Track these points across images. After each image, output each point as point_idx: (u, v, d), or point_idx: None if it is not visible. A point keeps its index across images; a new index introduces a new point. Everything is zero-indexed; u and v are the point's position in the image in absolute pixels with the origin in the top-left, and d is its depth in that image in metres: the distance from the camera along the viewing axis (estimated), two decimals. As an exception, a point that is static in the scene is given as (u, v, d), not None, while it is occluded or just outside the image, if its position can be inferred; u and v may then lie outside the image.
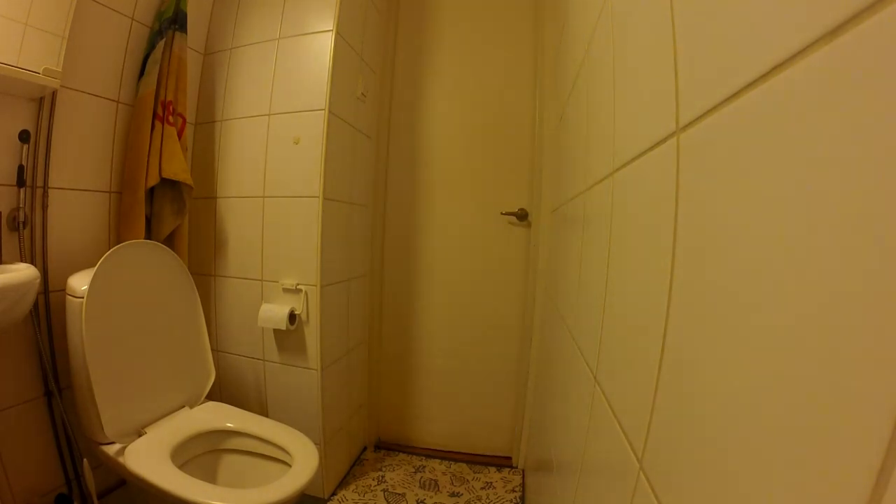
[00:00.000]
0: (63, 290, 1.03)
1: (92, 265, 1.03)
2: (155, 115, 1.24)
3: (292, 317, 1.35)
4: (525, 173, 1.74)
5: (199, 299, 1.28)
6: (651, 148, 0.40)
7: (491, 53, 1.80)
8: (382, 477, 1.58)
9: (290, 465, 1.01)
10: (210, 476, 1.11)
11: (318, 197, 1.33)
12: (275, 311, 1.33)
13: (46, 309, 1.06)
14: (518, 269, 1.73)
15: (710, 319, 0.28)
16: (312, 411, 1.38)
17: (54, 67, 0.96)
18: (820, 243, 0.18)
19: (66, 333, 1.01)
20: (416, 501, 1.44)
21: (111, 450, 0.98)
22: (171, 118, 1.27)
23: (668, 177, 0.35)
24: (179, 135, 1.30)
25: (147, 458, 0.95)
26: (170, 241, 1.32)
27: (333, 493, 1.47)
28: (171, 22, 1.25)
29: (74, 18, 0.99)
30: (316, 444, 1.14)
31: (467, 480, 1.58)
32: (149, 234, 1.28)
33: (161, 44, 1.24)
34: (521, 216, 1.70)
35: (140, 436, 1.04)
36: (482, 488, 1.53)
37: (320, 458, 1.30)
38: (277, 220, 1.38)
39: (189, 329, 1.26)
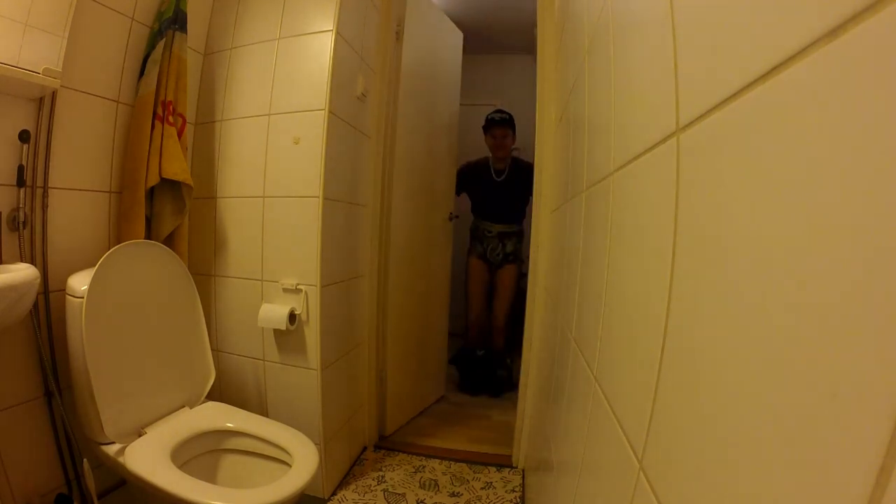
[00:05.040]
0: (63, 290, 1.03)
1: (92, 265, 1.03)
2: (155, 115, 1.24)
3: (292, 317, 1.35)
4: (452, 181, 2.24)
5: (199, 299, 1.28)
6: (651, 148, 0.40)
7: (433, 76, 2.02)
8: (382, 477, 1.58)
9: (289, 466, 1.01)
10: (210, 476, 1.11)
11: (318, 197, 1.33)
12: (275, 311, 1.33)
13: (46, 309, 1.06)
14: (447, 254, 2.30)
15: (710, 319, 0.28)
16: (312, 411, 1.37)
17: (54, 67, 0.96)
18: (820, 243, 0.18)
19: (66, 333, 1.01)
20: (416, 501, 1.44)
21: (111, 450, 0.98)
22: (171, 118, 1.27)
23: (669, 177, 0.35)
24: (179, 135, 1.30)
25: (147, 459, 0.95)
26: (170, 241, 1.32)
27: (333, 493, 1.47)
28: (171, 22, 1.25)
29: (74, 18, 0.99)
30: (316, 444, 1.14)
31: (467, 480, 1.58)
32: (149, 234, 1.28)
33: (161, 44, 1.24)
34: (452, 218, 2.24)
35: (140, 436, 1.04)
36: (482, 488, 1.53)
37: (320, 458, 1.30)
38: (277, 220, 1.38)
39: (189, 329, 1.26)
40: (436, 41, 2.06)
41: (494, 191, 2.31)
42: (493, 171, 2.34)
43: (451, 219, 2.24)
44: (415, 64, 1.88)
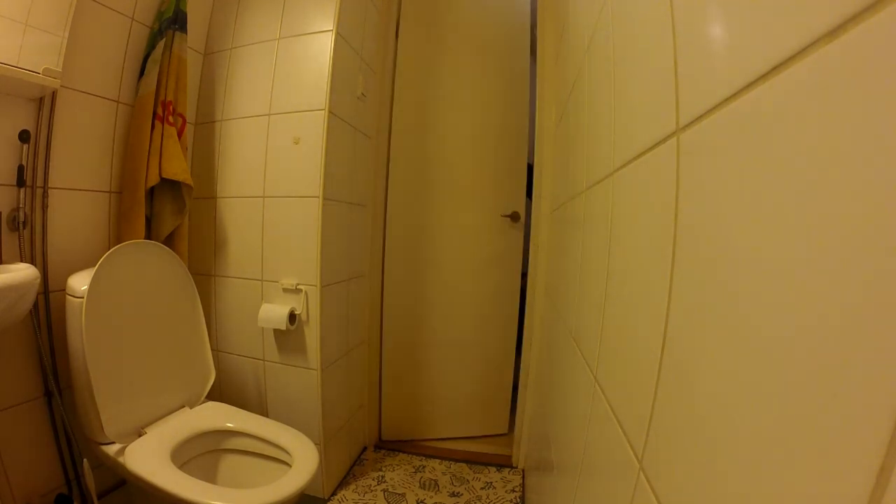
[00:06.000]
0: (63, 290, 1.03)
1: (92, 265, 1.03)
2: (155, 115, 1.24)
3: (292, 317, 1.35)
4: (520, 177, 1.87)
5: (199, 299, 1.28)
6: (651, 148, 0.40)
7: (491, 53, 1.83)
8: (382, 477, 1.58)
9: (290, 466, 1.01)
10: (210, 476, 1.11)
11: (318, 197, 1.33)
12: (275, 311, 1.33)
13: (46, 309, 1.06)
14: (513, 267, 1.89)
15: (710, 319, 0.28)
16: (312, 411, 1.37)
17: (54, 67, 0.96)
18: (820, 243, 0.18)
19: (66, 333, 1.01)
20: (416, 501, 1.44)
21: (111, 450, 0.98)
22: (171, 118, 1.27)
23: (669, 177, 0.35)
24: (179, 135, 1.30)
25: (147, 458, 0.95)
26: (170, 241, 1.32)
27: (333, 493, 1.47)
28: (171, 22, 1.25)
29: (74, 18, 0.99)
30: (316, 444, 1.14)
31: (467, 480, 1.58)
32: (149, 234, 1.28)
33: (161, 44, 1.24)
34: (515, 218, 1.85)
35: (140, 436, 1.04)
36: (482, 488, 1.53)
37: (320, 458, 1.30)
38: (277, 220, 1.38)
39: (189, 329, 1.25)
40: (481, 14, 1.83)
41: None
42: None
43: (515, 219, 1.83)
44: (424, 48, 1.78)
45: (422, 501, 1.44)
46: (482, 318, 1.88)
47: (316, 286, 1.35)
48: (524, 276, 2.02)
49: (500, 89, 1.85)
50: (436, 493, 1.49)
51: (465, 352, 1.88)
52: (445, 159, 1.85)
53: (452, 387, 1.88)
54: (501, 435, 1.90)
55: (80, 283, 1.00)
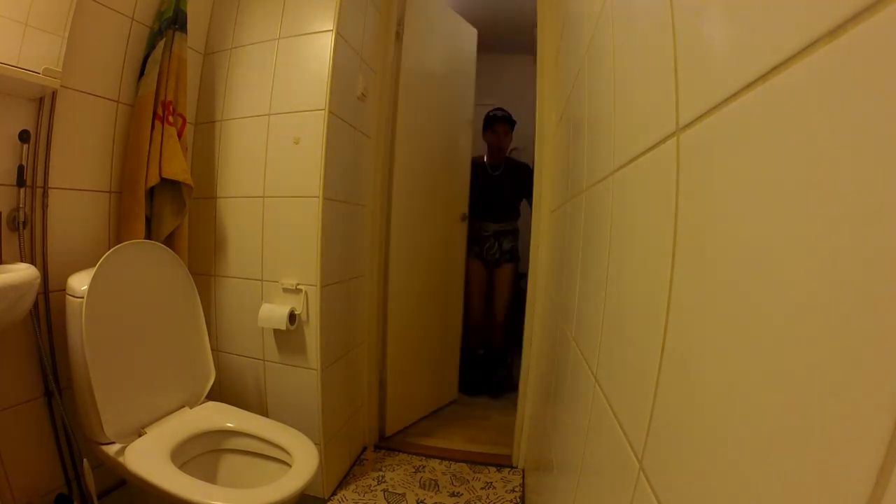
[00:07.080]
0: (63, 290, 1.03)
1: (92, 265, 1.03)
2: (155, 115, 1.24)
3: (292, 317, 1.35)
4: (464, 183, 2.22)
5: (199, 299, 1.28)
6: (651, 148, 0.40)
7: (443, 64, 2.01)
8: (382, 477, 1.58)
9: (290, 466, 1.01)
10: (210, 476, 1.11)
11: (318, 197, 1.33)
12: (275, 311, 1.33)
13: (46, 309, 1.06)
14: (459, 258, 2.25)
15: (710, 319, 0.28)
16: (312, 411, 1.37)
17: (54, 67, 0.96)
18: (819, 243, 0.18)
19: (66, 333, 1.01)
20: (416, 501, 1.44)
21: (111, 450, 0.98)
22: (171, 118, 1.27)
23: (669, 177, 0.35)
24: (179, 135, 1.30)
25: (147, 458, 0.95)
26: (170, 241, 1.32)
27: (333, 493, 1.47)
28: (171, 22, 1.25)
29: (74, 18, 0.99)
30: (316, 444, 1.14)
31: (467, 480, 1.58)
32: (149, 234, 1.28)
33: (161, 44, 1.24)
34: (464, 219, 2.23)
35: (140, 436, 1.04)
36: (482, 488, 1.53)
37: (320, 458, 1.30)
38: (277, 220, 1.38)
39: (189, 329, 1.25)
40: (446, 40, 2.04)
41: (490, 187, 2.33)
42: (488, 168, 2.35)
43: (462, 219, 2.21)
44: (422, 63, 1.86)
45: (422, 501, 1.44)
46: (440, 304, 2.15)
47: (316, 286, 1.35)
48: (522, 276, 2.03)
49: (452, 98, 2.12)
50: (436, 493, 1.49)
51: (429, 334, 2.09)
52: (424, 163, 1.94)
53: (418, 371, 2.04)
54: (453, 402, 2.25)
55: (80, 283, 1.00)
